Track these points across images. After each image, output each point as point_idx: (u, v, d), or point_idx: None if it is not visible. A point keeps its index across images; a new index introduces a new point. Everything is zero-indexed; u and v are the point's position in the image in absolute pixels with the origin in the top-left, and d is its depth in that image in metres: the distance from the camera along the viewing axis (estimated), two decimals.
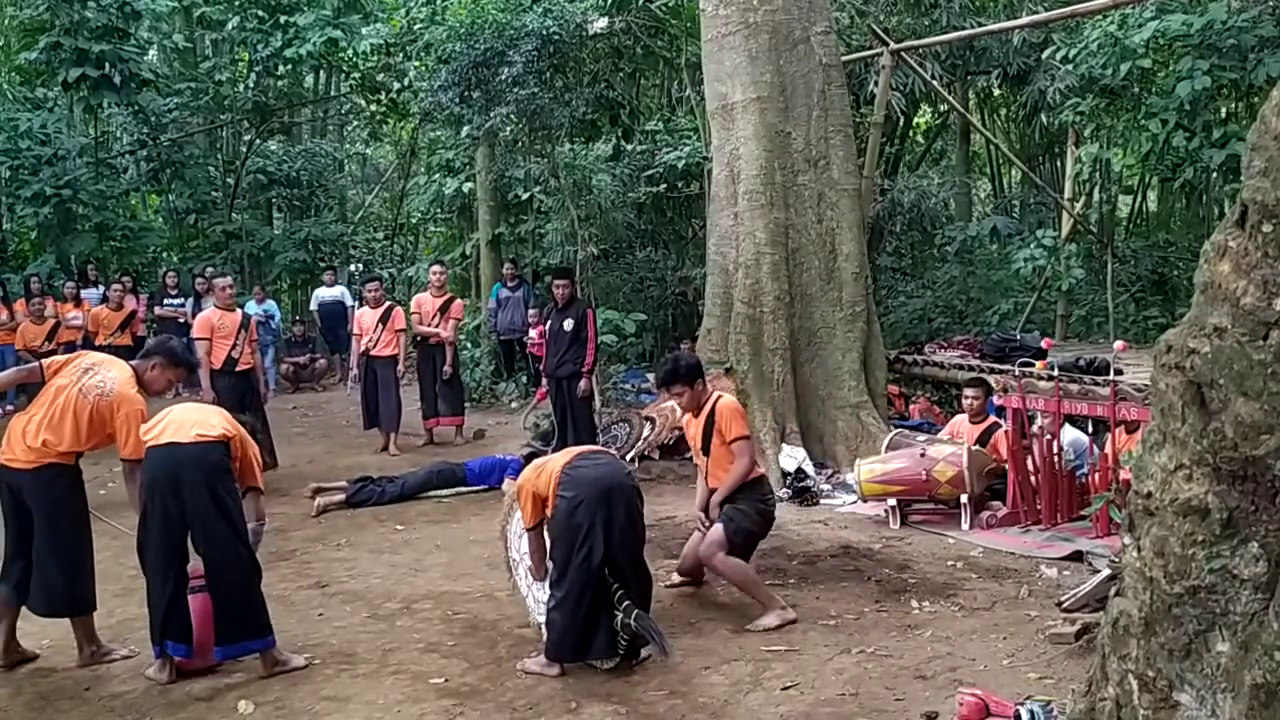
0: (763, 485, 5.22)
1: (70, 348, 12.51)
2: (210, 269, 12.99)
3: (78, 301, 12.72)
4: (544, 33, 10.95)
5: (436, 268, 10.42)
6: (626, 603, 4.38)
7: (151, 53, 17.12)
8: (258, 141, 17.70)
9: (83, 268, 13.77)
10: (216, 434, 4.43)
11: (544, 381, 9.30)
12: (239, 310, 8.50)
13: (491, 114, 11.30)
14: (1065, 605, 4.76)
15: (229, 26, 15.09)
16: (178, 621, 4.34)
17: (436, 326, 9.77)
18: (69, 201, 15.02)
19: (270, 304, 14.32)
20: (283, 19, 14.66)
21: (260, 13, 14.80)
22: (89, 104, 14.81)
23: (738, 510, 5.06)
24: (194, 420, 4.47)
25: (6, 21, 16.64)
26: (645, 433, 8.58)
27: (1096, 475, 6.47)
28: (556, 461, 4.65)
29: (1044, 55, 10.69)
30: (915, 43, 11.03)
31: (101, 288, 13.26)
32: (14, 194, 14.96)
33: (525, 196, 13.02)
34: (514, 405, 11.73)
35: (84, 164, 15.51)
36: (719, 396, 5.25)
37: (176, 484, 4.30)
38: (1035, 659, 4.41)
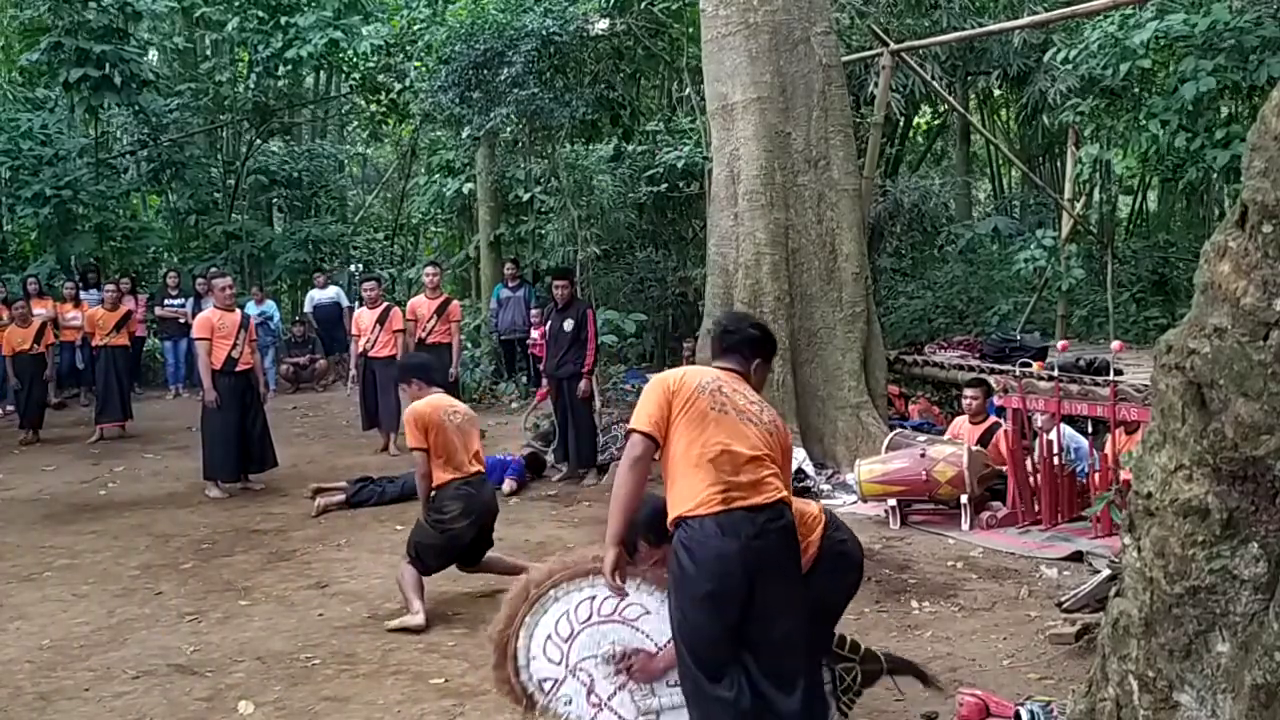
0: (441, 497, 5.18)
1: (69, 348, 12.56)
2: (211, 269, 13.00)
3: (77, 302, 12.72)
4: (544, 33, 10.95)
5: (430, 269, 10.33)
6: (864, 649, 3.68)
7: (152, 53, 17.13)
8: (258, 142, 17.71)
9: (83, 270, 13.77)
10: None
11: (544, 382, 9.29)
12: (238, 310, 8.50)
13: (492, 114, 11.30)
14: (1065, 605, 4.76)
15: (229, 27, 15.09)
16: None
17: (434, 328, 9.76)
18: (69, 202, 15.02)
19: (269, 305, 14.32)
20: (283, 20, 14.67)
21: (260, 13, 14.81)
22: (90, 104, 14.79)
23: (417, 523, 5.28)
24: None
25: (7, 22, 16.65)
26: None
27: (1096, 475, 6.47)
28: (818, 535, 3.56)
29: (1044, 56, 10.69)
30: (915, 43, 11.02)
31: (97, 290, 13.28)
32: (14, 194, 14.95)
33: (526, 197, 13.01)
34: (514, 405, 11.71)
35: (84, 164, 15.52)
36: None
37: None
38: (1035, 659, 4.41)
